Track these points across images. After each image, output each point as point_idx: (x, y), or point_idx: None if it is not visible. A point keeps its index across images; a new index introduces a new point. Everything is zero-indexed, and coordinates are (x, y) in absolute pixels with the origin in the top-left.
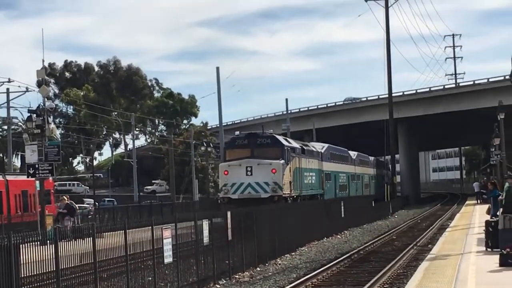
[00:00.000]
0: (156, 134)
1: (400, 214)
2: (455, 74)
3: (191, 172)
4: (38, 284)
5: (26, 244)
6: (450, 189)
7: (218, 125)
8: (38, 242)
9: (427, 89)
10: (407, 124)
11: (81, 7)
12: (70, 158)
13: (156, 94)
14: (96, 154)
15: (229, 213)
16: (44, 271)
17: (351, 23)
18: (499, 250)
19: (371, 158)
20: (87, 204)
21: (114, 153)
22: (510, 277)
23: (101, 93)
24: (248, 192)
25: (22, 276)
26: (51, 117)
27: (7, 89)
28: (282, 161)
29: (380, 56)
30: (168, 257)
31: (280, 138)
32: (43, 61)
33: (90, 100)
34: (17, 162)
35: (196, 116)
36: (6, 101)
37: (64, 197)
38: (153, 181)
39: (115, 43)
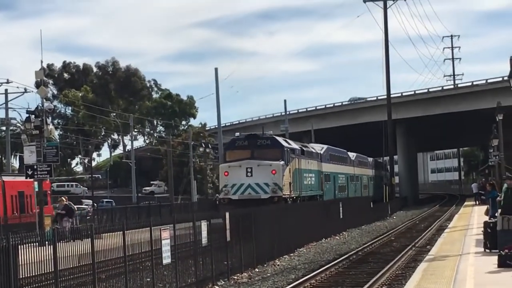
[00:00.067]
0: (155, 135)
1: (398, 215)
2: (454, 75)
3: (190, 173)
4: (37, 285)
5: (24, 245)
6: (449, 190)
7: (216, 126)
8: (37, 243)
9: (426, 90)
10: (405, 125)
11: (80, 7)
12: (69, 159)
13: (155, 95)
14: (94, 155)
15: (227, 214)
16: (43, 272)
17: (350, 24)
18: (497, 251)
19: (370, 159)
20: (86, 205)
21: (112, 154)
22: (508, 278)
23: (99, 94)
24: (248, 193)
25: (21, 277)
26: (50, 118)
27: (6, 90)
28: (282, 162)
29: (379, 57)
30: (166, 258)
31: (280, 139)
32: (41, 62)
33: (89, 101)
34: (15, 163)
35: (194, 117)
36: (4, 102)
37: (63, 198)
38: (151, 182)
39: (113, 44)
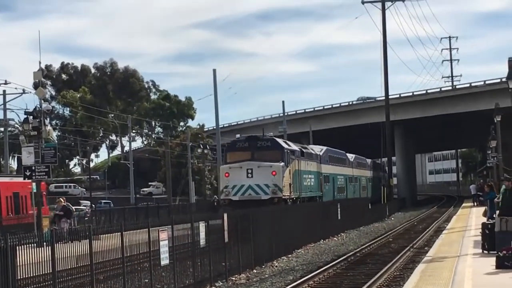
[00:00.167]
0: (153, 136)
1: (396, 217)
2: (452, 76)
3: (188, 174)
4: (35, 286)
5: (22, 246)
6: (447, 192)
7: (215, 127)
8: (35, 244)
9: (424, 92)
10: (403, 127)
11: (78, 8)
12: (67, 160)
13: (153, 96)
14: (92, 156)
15: (225, 215)
16: (41, 273)
17: (348, 25)
18: (495, 252)
19: (368, 160)
20: (84, 206)
21: (110, 155)
22: (506, 279)
23: (97, 95)
24: (248, 194)
25: (19, 278)
26: (48, 119)
27: (4, 91)
28: (282, 164)
29: (377, 58)
30: (164, 259)
31: (280, 141)
32: (39, 63)
33: (87, 102)
34: (13, 164)
35: (192, 118)
36: (2, 103)
37: (61, 199)
38: (149, 183)
39: (112, 45)
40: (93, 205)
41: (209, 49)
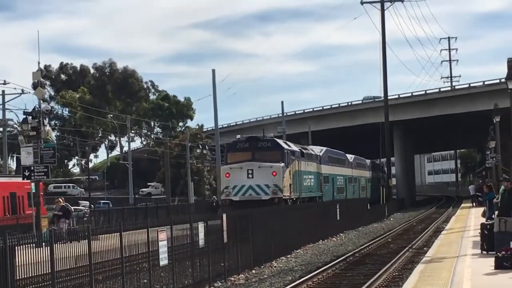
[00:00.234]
0: (152, 136)
1: (395, 217)
2: (451, 77)
3: (187, 174)
4: (34, 286)
5: (21, 246)
6: (446, 192)
7: (214, 128)
8: (34, 244)
9: (423, 92)
10: (402, 127)
11: (78, 9)
12: (66, 160)
13: (152, 97)
14: (91, 156)
15: (224, 216)
16: (40, 273)
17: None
18: (494, 252)
19: (367, 161)
20: (83, 206)
21: (109, 156)
22: (505, 280)
23: (96, 95)
24: (249, 194)
25: (18, 278)
26: (47, 119)
27: (3, 91)
28: (282, 164)
29: (376, 58)
30: (163, 260)
31: (280, 141)
32: (38, 63)
33: (86, 102)
34: (12, 164)
35: (191, 119)
36: (1, 103)
37: (60, 199)
38: (148, 184)
39: (111, 45)
40: (92, 206)
41: (209, 49)
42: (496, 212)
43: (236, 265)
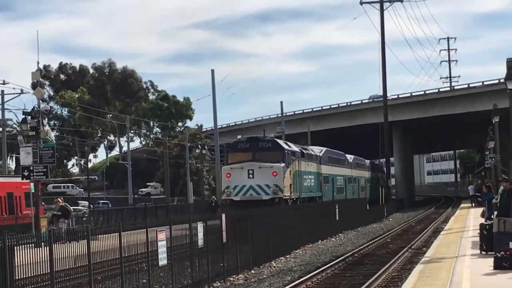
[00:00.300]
0: (151, 136)
1: (394, 217)
2: (450, 77)
3: (186, 174)
4: (33, 286)
5: (20, 246)
6: (445, 192)
7: (213, 128)
8: (33, 244)
9: (422, 92)
10: (402, 127)
11: (78, 9)
12: (65, 160)
13: (151, 97)
14: (91, 156)
15: (223, 216)
16: (39, 273)
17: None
18: (493, 253)
19: (367, 161)
20: (82, 206)
21: (108, 156)
22: (504, 280)
23: (96, 95)
24: (250, 194)
25: (17, 278)
26: (46, 119)
27: (2, 91)
28: (283, 165)
29: (375, 59)
30: (162, 260)
31: (281, 142)
32: (38, 63)
33: (85, 102)
34: (11, 164)
35: (191, 119)
36: (1, 103)
37: (59, 199)
38: (147, 184)
39: (110, 45)
40: (91, 206)
41: (208, 49)
42: (495, 213)
43: (235, 265)
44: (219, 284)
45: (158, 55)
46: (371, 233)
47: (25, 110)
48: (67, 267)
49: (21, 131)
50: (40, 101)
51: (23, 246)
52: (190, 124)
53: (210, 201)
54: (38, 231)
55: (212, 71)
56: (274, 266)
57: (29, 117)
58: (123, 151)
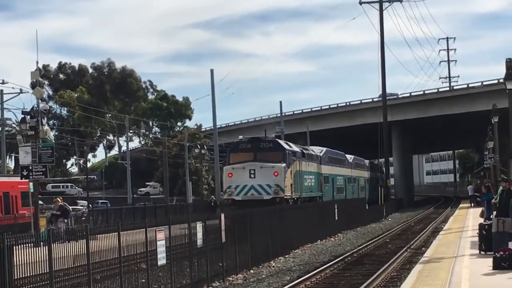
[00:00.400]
0: (150, 136)
1: (393, 217)
2: (449, 77)
3: (185, 174)
4: (32, 285)
5: (19, 246)
6: (444, 192)
7: (212, 128)
8: (32, 244)
9: (421, 92)
10: (401, 127)
11: (77, 8)
12: (64, 160)
13: (150, 96)
14: (90, 156)
15: (222, 215)
16: (38, 272)
17: (346, 25)
18: (492, 253)
19: (366, 161)
20: (81, 206)
21: (108, 155)
22: (503, 280)
23: (95, 95)
24: (251, 194)
25: (16, 277)
26: (45, 118)
27: (1, 90)
28: (284, 165)
29: (375, 58)
30: (161, 259)
31: (282, 142)
32: (37, 62)
33: (84, 102)
34: (11, 164)
35: (190, 118)
36: (0, 102)
37: (58, 199)
38: (147, 183)
39: (110, 44)
40: (90, 205)
41: (208, 49)
42: (494, 213)
43: (234, 265)
44: (218, 284)
45: (157, 55)
46: (370, 233)
47: (24, 110)
48: (66, 267)
49: (20, 130)
50: (39, 101)
51: (22, 245)
52: (189, 123)
53: (209, 201)
54: (37, 231)
55: (212, 71)
56: (273, 266)
57: (28, 116)
58: (122, 151)
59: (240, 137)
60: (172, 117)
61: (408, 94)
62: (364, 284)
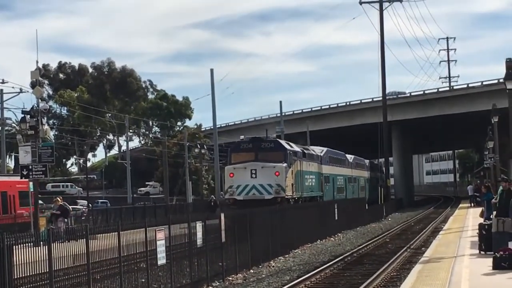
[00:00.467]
0: (150, 135)
1: (393, 217)
2: (449, 77)
3: (185, 174)
4: (31, 285)
5: (19, 245)
6: (444, 192)
7: (212, 127)
8: (32, 243)
9: (421, 92)
10: (401, 127)
11: (77, 8)
12: (64, 160)
13: (150, 96)
14: (89, 155)
15: (222, 215)
16: (37, 272)
17: (346, 25)
18: (492, 253)
19: (366, 161)
20: (81, 205)
21: (107, 155)
22: (503, 280)
23: (95, 95)
24: (252, 194)
25: (15, 277)
26: (45, 118)
27: (1, 90)
28: (285, 164)
29: (375, 58)
30: (161, 259)
31: (283, 142)
32: (37, 62)
33: (84, 101)
34: (10, 164)
35: (190, 118)
36: (0, 102)
37: (58, 198)
38: (146, 183)
39: (110, 44)
40: (90, 205)
41: (208, 49)
42: (494, 213)
43: (234, 265)
44: (218, 283)
45: (157, 54)
46: (370, 233)
47: (24, 109)
48: (66, 266)
49: (20, 130)
50: (39, 100)
51: (21, 245)
52: (189, 123)
53: (209, 201)
54: (37, 230)
55: (212, 70)
56: (273, 266)
57: (28, 116)
58: (122, 150)
59: (242, 137)
60: (172, 117)
61: (408, 94)
62: (364, 284)
